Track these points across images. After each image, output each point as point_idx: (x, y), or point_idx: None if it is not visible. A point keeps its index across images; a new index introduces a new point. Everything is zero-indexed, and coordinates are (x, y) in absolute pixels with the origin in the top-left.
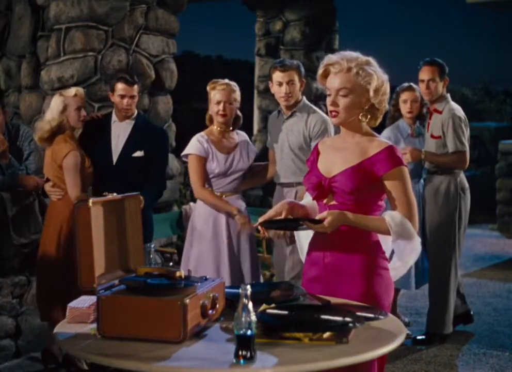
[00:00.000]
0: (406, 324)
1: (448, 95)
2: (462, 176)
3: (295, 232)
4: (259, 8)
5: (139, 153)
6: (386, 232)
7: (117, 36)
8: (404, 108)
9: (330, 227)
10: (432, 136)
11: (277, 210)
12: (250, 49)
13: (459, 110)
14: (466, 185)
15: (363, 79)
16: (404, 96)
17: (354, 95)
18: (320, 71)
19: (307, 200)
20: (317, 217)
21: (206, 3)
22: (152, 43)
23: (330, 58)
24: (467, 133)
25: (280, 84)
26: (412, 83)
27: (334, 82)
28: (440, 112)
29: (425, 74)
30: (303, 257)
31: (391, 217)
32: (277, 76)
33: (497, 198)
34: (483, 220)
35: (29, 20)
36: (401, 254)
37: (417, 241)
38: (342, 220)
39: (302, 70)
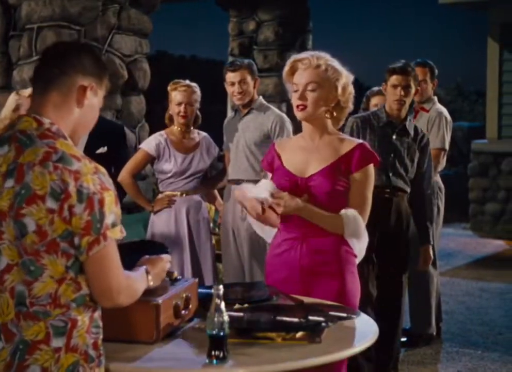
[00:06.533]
0: None
1: (435, 98)
2: (437, 176)
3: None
4: (233, 8)
5: (102, 150)
6: (340, 230)
7: (90, 36)
8: None
9: (285, 207)
10: None
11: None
12: (224, 49)
13: (446, 112)
14: (442, 184)
15: (332, 75)
16: (374, 100)
17: (322, 90)
18: (288, 67)
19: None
20: (275, 193)
21: (179, 3)
22: (125, 43)
23: (297, 55)
24: (449, 135)
25: (232, 84)
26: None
27: (302, 77)
28: (427, 111)
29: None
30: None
31: (346, 214)
32: (229, 76)
33: (470, 197)
34: (456, 219)
35: (0, 19)
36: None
37: (366, 240)
38: (299, 208)
39: (254, 68)
